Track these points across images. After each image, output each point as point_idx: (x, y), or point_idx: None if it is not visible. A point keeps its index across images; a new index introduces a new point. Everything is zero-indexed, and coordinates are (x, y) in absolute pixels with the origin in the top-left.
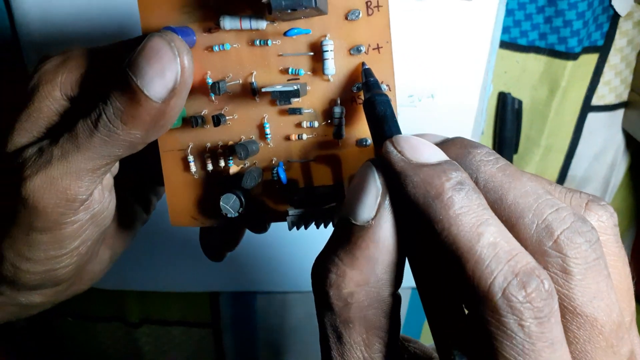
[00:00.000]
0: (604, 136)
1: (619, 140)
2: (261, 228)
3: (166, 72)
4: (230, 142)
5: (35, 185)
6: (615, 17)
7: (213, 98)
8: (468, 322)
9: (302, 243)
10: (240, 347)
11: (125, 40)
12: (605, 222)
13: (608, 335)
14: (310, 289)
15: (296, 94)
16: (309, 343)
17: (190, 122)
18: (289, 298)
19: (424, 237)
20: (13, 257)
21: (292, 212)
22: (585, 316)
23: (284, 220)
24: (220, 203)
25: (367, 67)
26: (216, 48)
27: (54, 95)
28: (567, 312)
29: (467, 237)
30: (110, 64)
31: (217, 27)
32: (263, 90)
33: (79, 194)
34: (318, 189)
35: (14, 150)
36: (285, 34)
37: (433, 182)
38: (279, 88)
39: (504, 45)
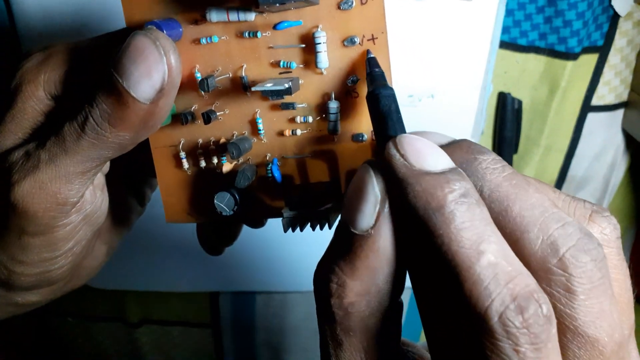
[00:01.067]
0: (604, 136)
1: (618, 140)
2: (257, 223)
3: (153, 73)
4: (223, 139)
5: (24, 190)
6: (615, 17)
7: (203, 93)
8: (463, 339)
9: (301, 243)
10: (239, 347)
11: (108, 33)
12: (609, 235)
13: (609, 356)
14: (310, 288)
15: (288, 92)
16: (309, 343)
17: (180, 118)
18: (289, 298)
19: (424, 248)
20: (6, 260)
21: (286, 213)
22: (587, 336)
23: (280, 215)
24: (215, 201)
25: (372, 55)
26: (204, 41)
27: (37, 95)
28: (569, 331)
29: (467, 254)
30: (94, 60)
31: (204, 18)
32: (253, 89)
33: (69, 197)
34: (314, 186)
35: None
36: (274, 27)
37: (435, 193)
38: (269, 87)
39: (504, 45)
